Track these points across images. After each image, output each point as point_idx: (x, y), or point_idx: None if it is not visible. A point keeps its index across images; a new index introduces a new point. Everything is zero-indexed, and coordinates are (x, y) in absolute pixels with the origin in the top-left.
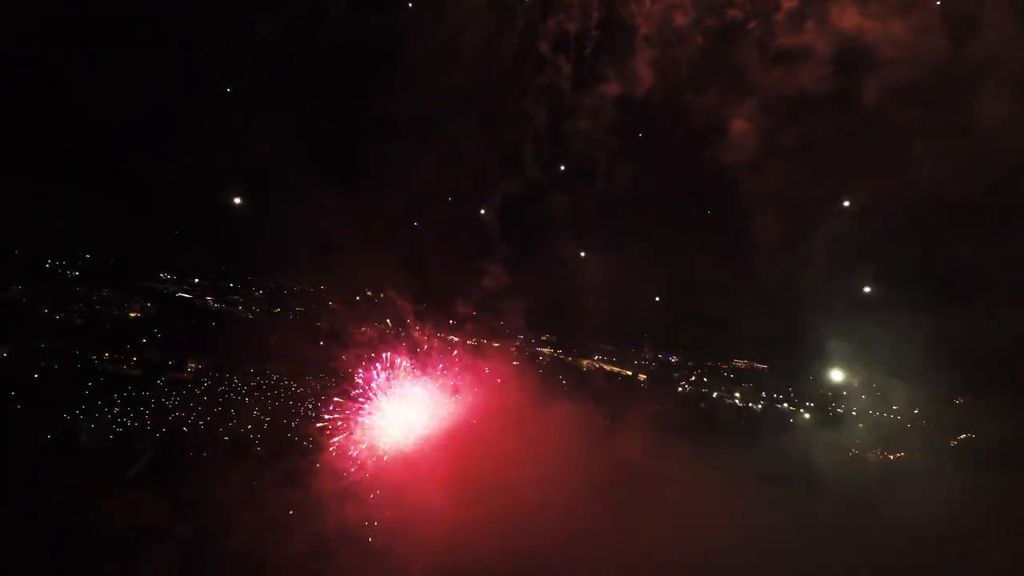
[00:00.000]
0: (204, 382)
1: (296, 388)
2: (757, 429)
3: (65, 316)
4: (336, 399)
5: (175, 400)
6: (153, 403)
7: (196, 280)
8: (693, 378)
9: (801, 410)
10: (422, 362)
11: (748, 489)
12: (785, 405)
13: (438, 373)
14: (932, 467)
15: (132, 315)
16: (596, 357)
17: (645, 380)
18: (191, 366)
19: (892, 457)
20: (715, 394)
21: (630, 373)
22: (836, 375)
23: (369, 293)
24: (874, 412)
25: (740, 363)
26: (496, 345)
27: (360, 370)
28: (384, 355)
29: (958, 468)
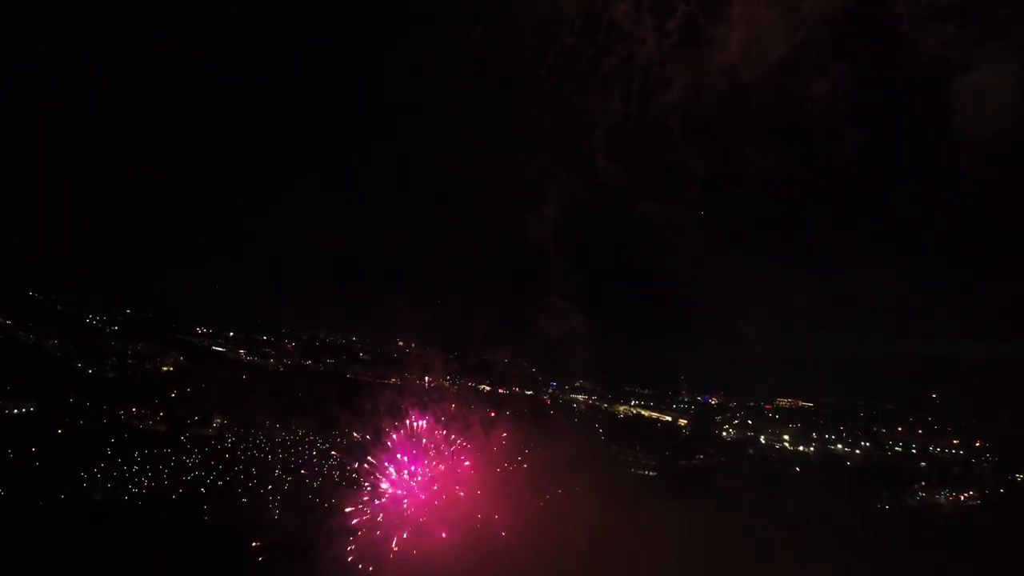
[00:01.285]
0: (228, 438)
1: (321, 444)
2: (812, 476)
3: (97, 370)
4: (359, 458)
5: (195, 458)
6: (173, 461)
7: (231, 333)
8: (736, 421)
9: (856, 451)
10: (449, 415)
11: None
12: (839, 447)
13: (464, 430)
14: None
15: (165, 369)
16: (633, 403)
17: (686, 426)
18: (216, 421)
19: (963, 498)
20: (762, 437)
21: (669, 419)
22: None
23: (401, 343)
24: (934, 448)
25: (783, 402)
26: (529, 393)
27: (386, 427)
28: (410, 411)
29: None
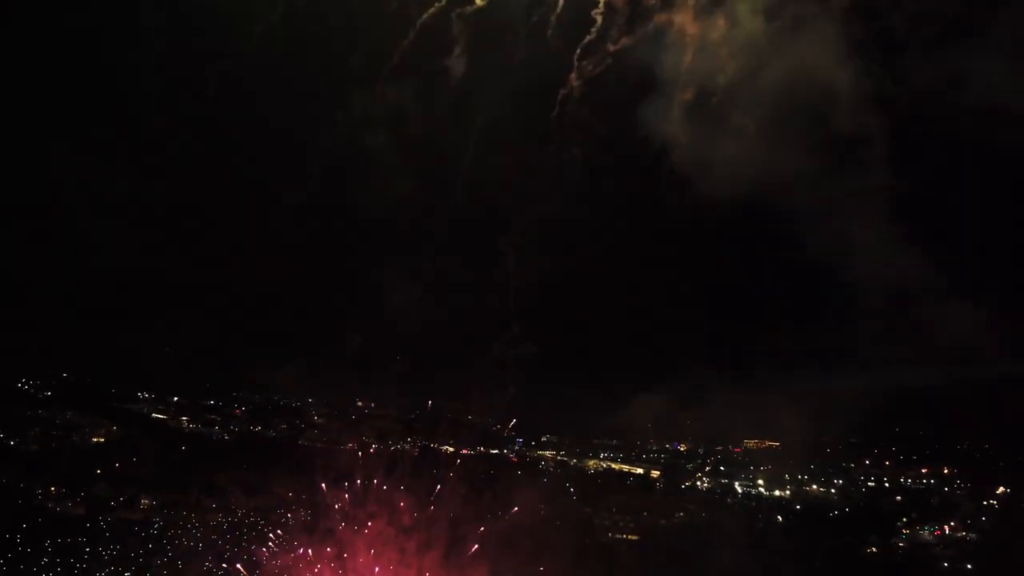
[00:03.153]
0: (156, 523)
1: (263, 526)
2: (799, 527)
3: (20, 442)
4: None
5: (112, 550)
6: (87, 553)
7: (175, 398)
8: (708, 468)
9: (832, 490)
10: (410, 480)
11: None
12: (815, 487)
13: (427, 499)
14: None
15: (95, 440)
16: (602, 455)
17: (660, 477)
18: (144, 502)
19: (948, 530)
20: (737, 484)
21: (641, 471)
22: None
23: (359, 404)
24: (906, 480)
25: (751, 443)
26: (494, 452)
27: (337, 503)
28: (366, 480)
29: None
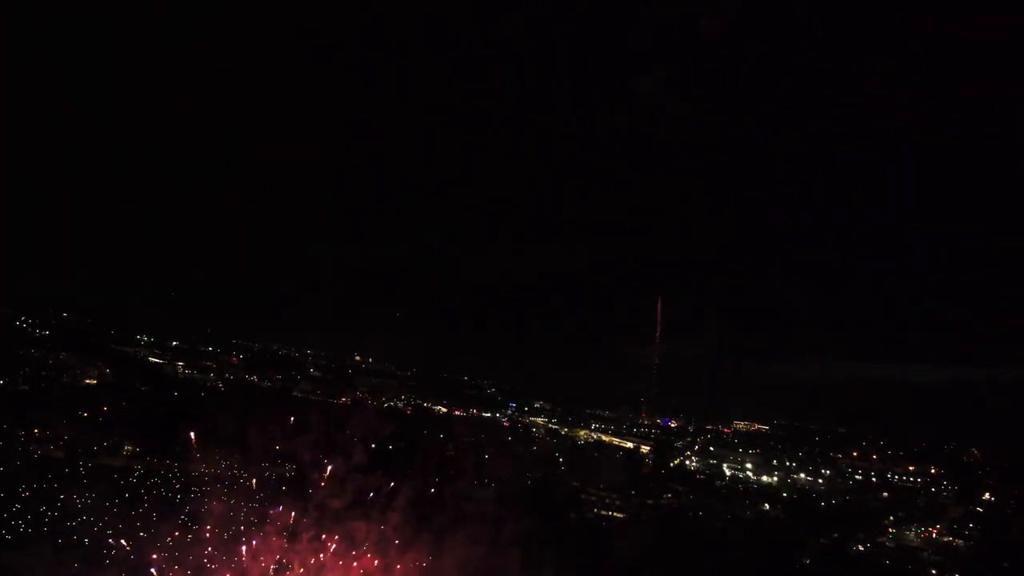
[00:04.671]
0: (137, 470)
1: (244, 480)
2: (786, 519)
3: (8, 382)
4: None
5: (86, 498)
6: (60, 500)
7: (174, 343)
8: (697, 447)
9: (819, 480)
10: (402, 445)
11: None
12: (802, 476)
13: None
14: None
15: (87, 382)
16: (593, 426)
17: (649, 454)
18: (127, 449)
19: (934, 534)
20: (725, 466)
21: (631, 446)
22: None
23: (358, 357)
24: (893, 476)
25: (740, 424)
26: (487, 415)
27: (326, 461)
28: (353, 439)
29: None
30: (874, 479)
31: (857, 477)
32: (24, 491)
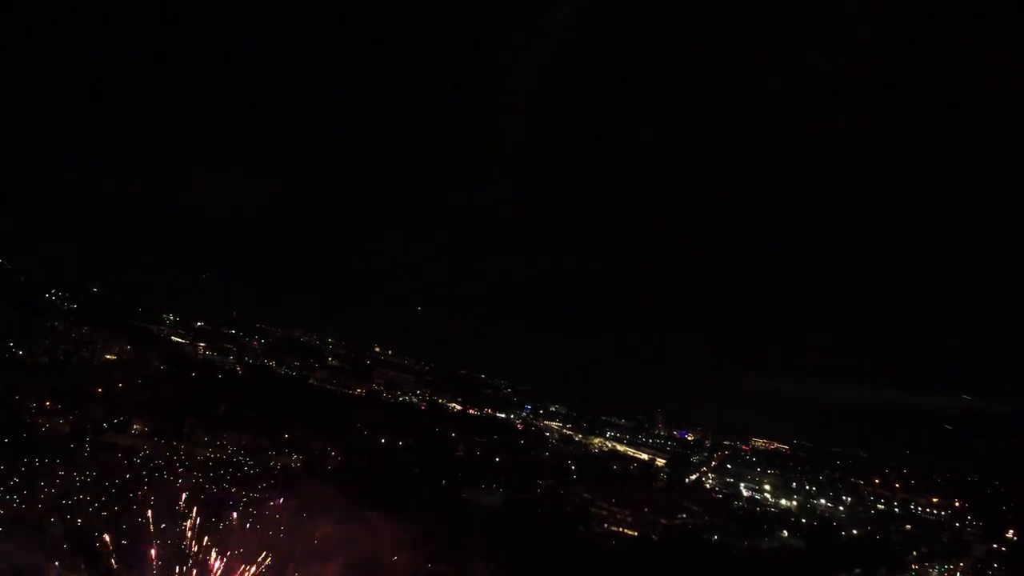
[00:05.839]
0: (143, 450)
1: (249, 468)
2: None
3: (28, 353)
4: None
5: (87, 476)
6: (59, 476)
7: (199, 323)
8: (715, 463)
9: (840, 507)
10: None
11: None
12: (822, 501)
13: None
14: None
15: (108, 357)
16: (608, 435)
17: (664, 468)
18: (136, 428)
19: (958, 573)
20: (743, 486)
21: (646, 458)
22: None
23: (377, 349)
24: (916, 507)
25: (759, 442)
26: (501, 416)
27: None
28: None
29: None
30: (897, 510)
31: (879, 507)
32: (22, 466)
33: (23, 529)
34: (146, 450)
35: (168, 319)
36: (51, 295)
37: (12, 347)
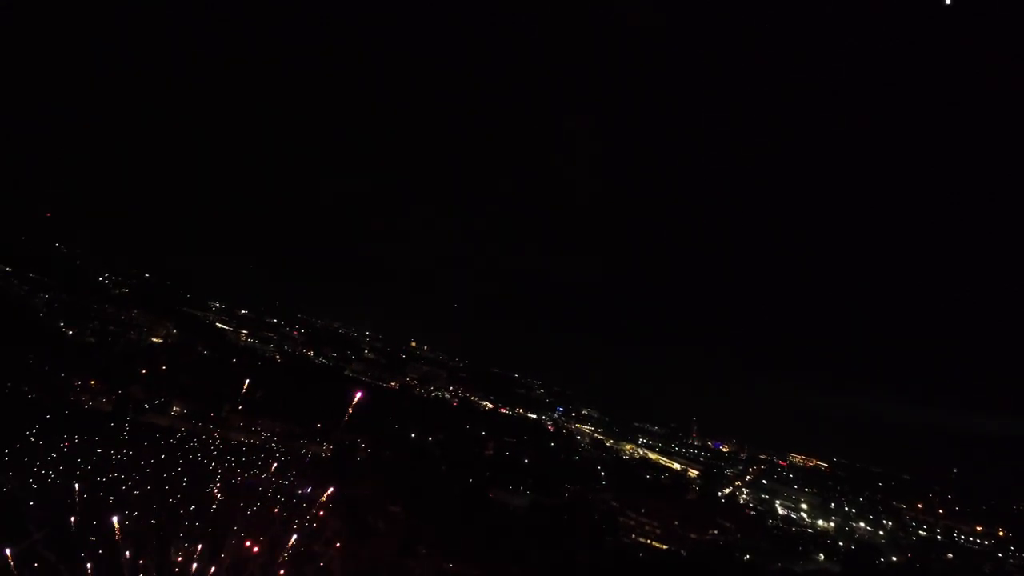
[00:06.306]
0: (180, 432)
1: (281, 455)
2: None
3: (77, 333)
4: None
5: (123, 455)
6: (96, 452)
7: (243, 311)
8: (749, 476)
9: (880, 532)
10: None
11: None
12: (861, 524)
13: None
14: None
15: (154, 340)
16: (640, 441)
17: (697, 479)
18: (175, 410)
19: None
20: (778, 503)
21: (678, 467)
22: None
23: (413, 343)
24: (958, 535)
25: (797, 458)
26: (532, 416)
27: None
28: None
29: None
30: (939, 536)
31: (921, 533)
32: (63, 444)
33: (57, 504)
34: (183, 431)
35: (214, 306)
36: (104, 279)
37: (62, 327)
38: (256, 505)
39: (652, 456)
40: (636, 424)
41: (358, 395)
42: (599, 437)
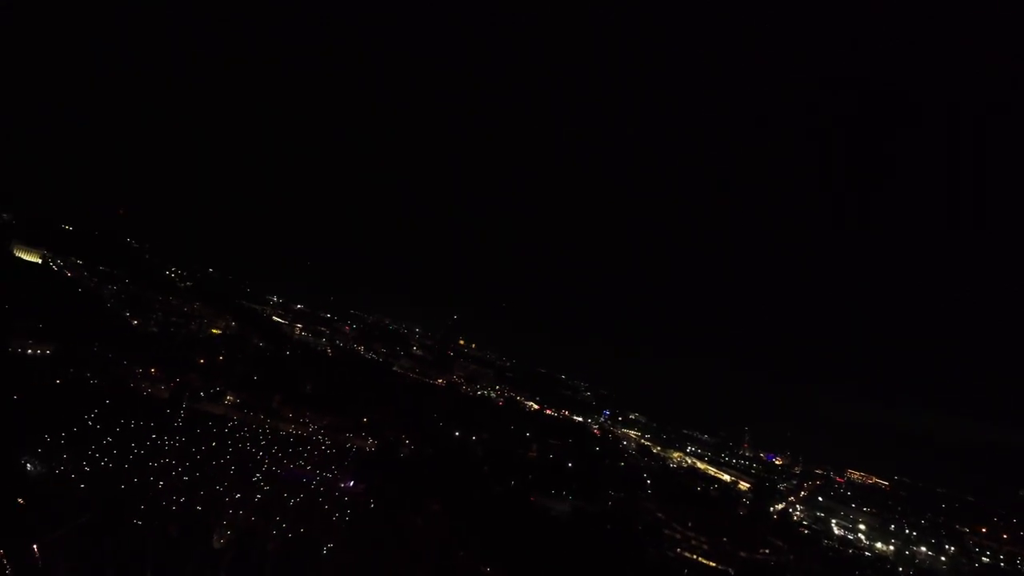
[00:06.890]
0: (232, 421)
1: (327, 448)
2: None
3: (141, 323)
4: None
5: (176, 440)
6: (150, 441)
7: (299, 306)
8: (804, 493)
9: (942, 557)
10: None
11: None
12: (923, 549)
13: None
14: None
15: (214, 331)
16: (689, 449)
17: (748, 492)
18: (229, 399)
19: None
20: (834, 523)
21: (728, 479)
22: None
23: (461, 342)
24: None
25: (856, 475)
26: (578, 419)
27: (409, 438)
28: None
29: None
30: (1003, 564)
31: (984, 559)
32: (119, 428)
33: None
34: (235, 420)
35: (272, 300)
36: (171, 272)
37: (128, 316)
38: (299, 496)
39: (701, 466)
40: (685, 431)
41: (404, 392)
42: (646, 443)
